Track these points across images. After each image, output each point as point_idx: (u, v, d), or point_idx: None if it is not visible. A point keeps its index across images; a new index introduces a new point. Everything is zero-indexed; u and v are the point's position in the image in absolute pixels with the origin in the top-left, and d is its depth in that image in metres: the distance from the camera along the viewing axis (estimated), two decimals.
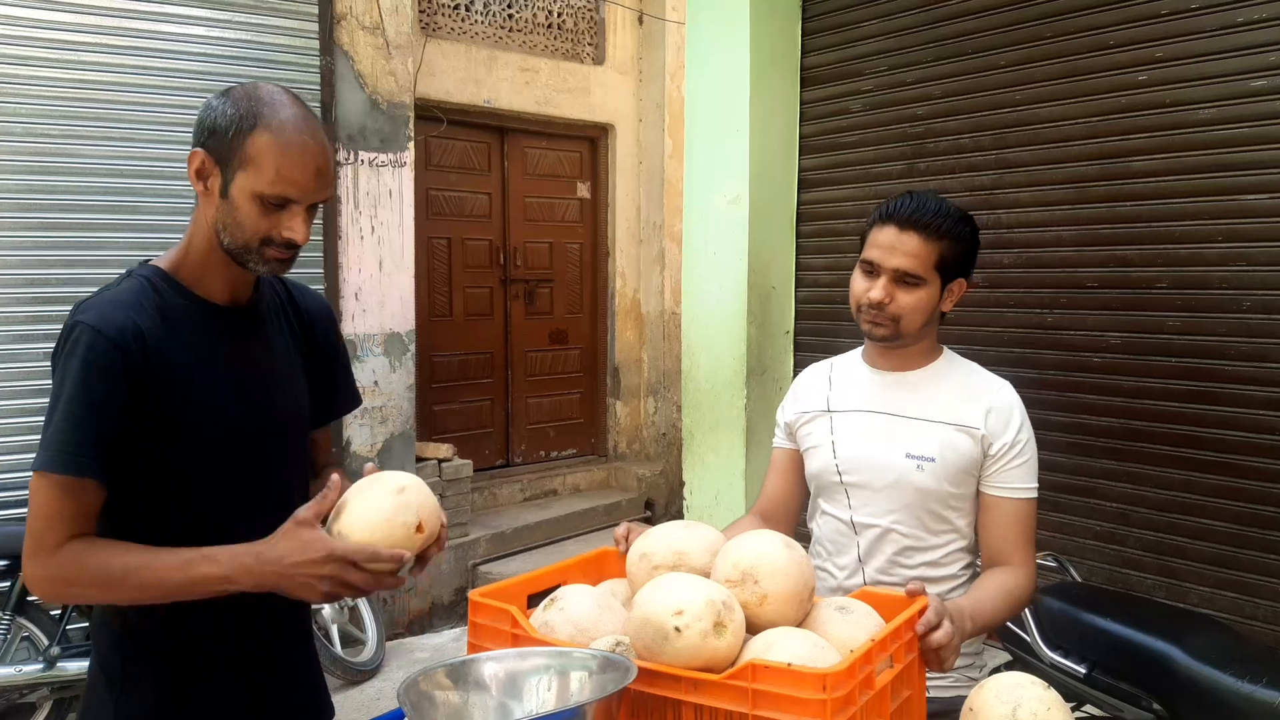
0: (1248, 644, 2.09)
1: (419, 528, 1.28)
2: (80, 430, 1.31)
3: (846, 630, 1.20)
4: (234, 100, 1.37)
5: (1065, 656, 2.23)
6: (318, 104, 4.60)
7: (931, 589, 1.70)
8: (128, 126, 4.19)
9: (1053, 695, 1.11)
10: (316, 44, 4.61)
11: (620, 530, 1.57)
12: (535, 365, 6.56)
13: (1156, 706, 2.05)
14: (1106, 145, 2.85)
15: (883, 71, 3.46)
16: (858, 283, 1.76)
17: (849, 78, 3.58)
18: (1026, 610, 2.25)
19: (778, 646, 1.13)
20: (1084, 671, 2.18)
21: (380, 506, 1.28)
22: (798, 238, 3.79)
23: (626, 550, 1.46)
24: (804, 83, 3.75)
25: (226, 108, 1.36)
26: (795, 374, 3.83)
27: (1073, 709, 1.34)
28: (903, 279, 1.69)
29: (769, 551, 1.24)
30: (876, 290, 1.70)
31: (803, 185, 3.77)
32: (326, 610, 4.18)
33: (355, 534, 1.26)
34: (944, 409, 1.75)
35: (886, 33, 3.44)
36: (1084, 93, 2.88)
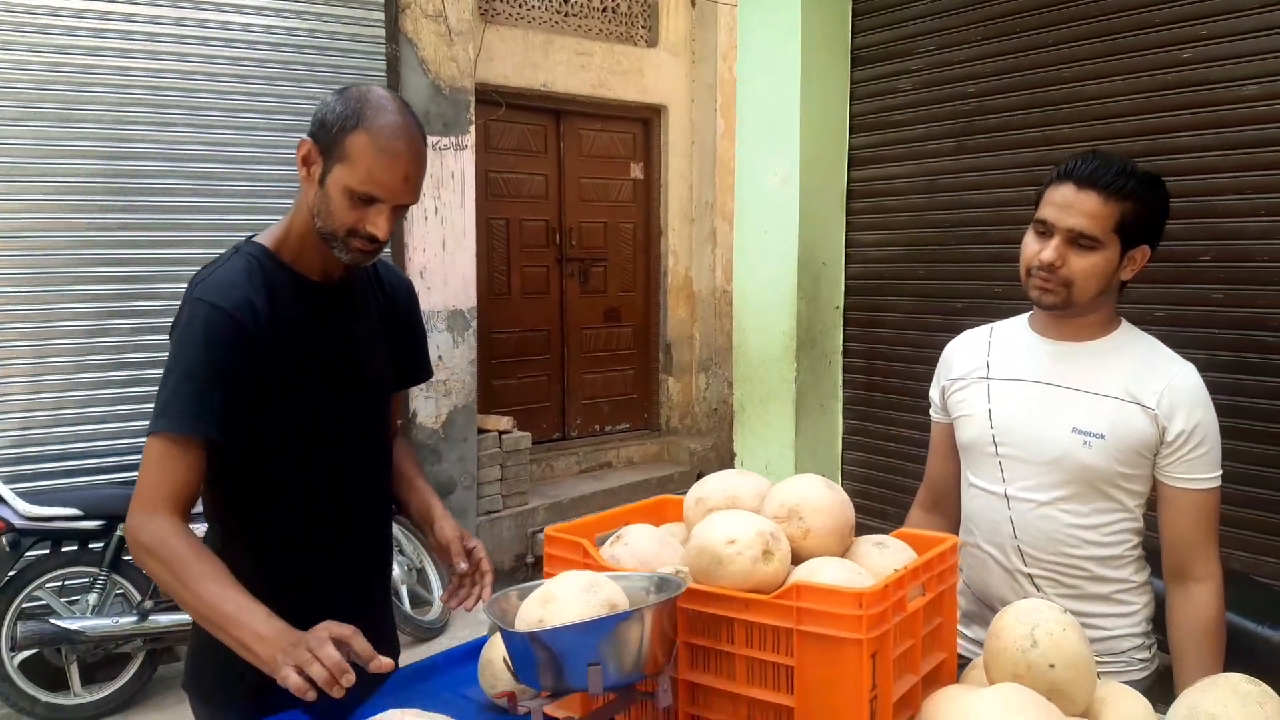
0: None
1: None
2: (196, 395, 1.46)
3: (883, 561, 1.33)
4: (345, 99, 1.49)
5: None
6: None
7: (1099, 569, 1.69)
8: (205, 114, 4.41)
9: (1068, 618, 1.23)
10: (382, 32, 4.80)
11: None
12: (590, 342, 6.73)
13: None
14: (1152, 122, 2.90)
15: (932, 51, 3.52)
16: (1029, 244, 1.65)
17: (899, 57, 3.64)
18: None
19: (820, 572, 1.26)
20: None
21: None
22: (848, 215, 3.87)
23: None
24: (854, 62, 3.82)
25: (337, 105, 1.49)
26: (845, 348, 3.97)
27: None
28: (1077, 240, 1.59)
29: (812, 491, 1.38)
30: (1049, 251, 1.60)
31: (853, 163, 3.85)
32: (397, 571, 4.40)
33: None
34: (1117, 384, 1.64)
35: (936, 12, 3.50)
36: (1129, 70, 2.93)
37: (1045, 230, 1.63)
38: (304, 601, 1.57)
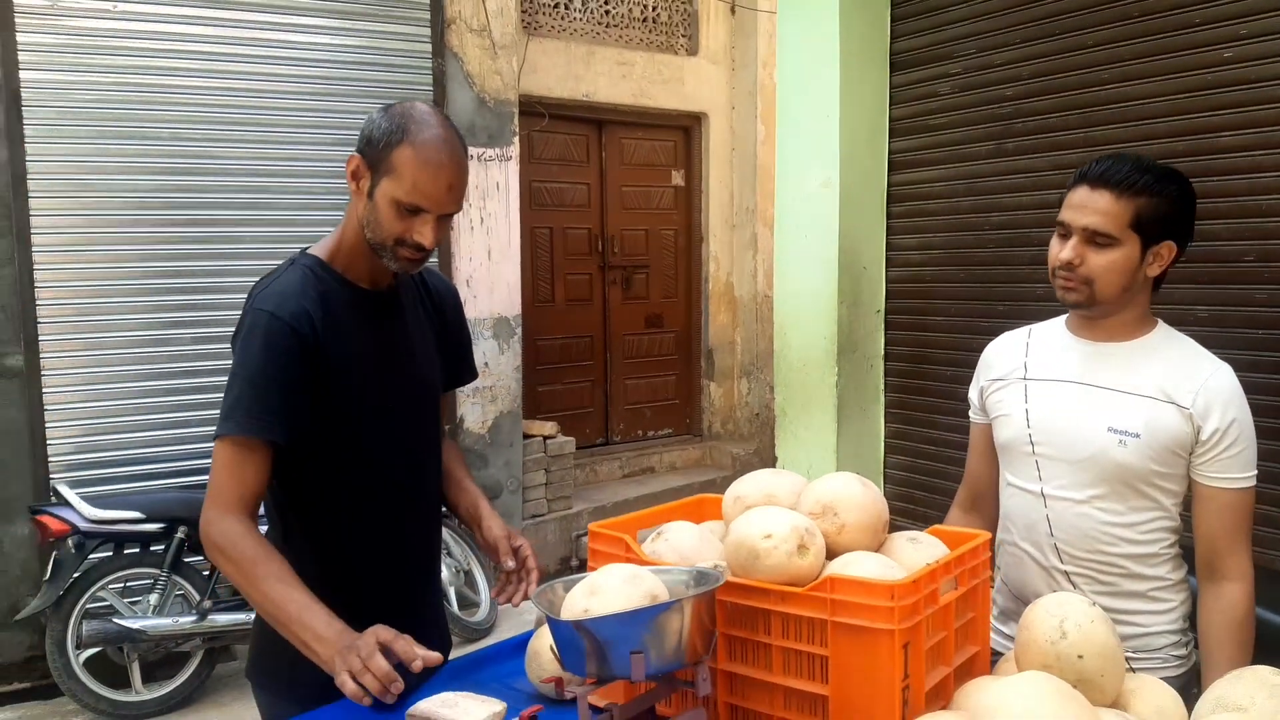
0: None
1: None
2: (260, 399, 1.54)
3: (916, 556, 1.37)
4: (390, 116, 1.57)
5: None
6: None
7: (1135, 567, 1.71)
8: (261, 130, 4.56)
9: (1097, 611, 1.26)
10: (429, 47, 4.92)
11: None
12: (633, 348, 6.80)
13: None
14: (1193, 122, 2.89)
15: (971, 54, 3.54)
16: (1052, 246, 1.71)
17: (938, 61, 3.66)
18: None
19: (854, 565, 1.31)
20: None
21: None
22: (888, 219, 3.89)
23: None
24: (893, 67, 3.84)
25: (382, 121, 1.57)
26: (886, 351, 3.98)
27: None
28: (1094, 239, 1.63)
29: (847, 488, 1.42)
30: (1067, 251, 1.65)
31: (893, 167, 3.87)
32: (445, 573, 4.49)
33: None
34: (1151, 383, 1.67)
35: (974, 16, 3.51)
36: (1169, 71, 2.92)
37: (1065, 231, 1.68)
38: (356, 603, 1.63)
